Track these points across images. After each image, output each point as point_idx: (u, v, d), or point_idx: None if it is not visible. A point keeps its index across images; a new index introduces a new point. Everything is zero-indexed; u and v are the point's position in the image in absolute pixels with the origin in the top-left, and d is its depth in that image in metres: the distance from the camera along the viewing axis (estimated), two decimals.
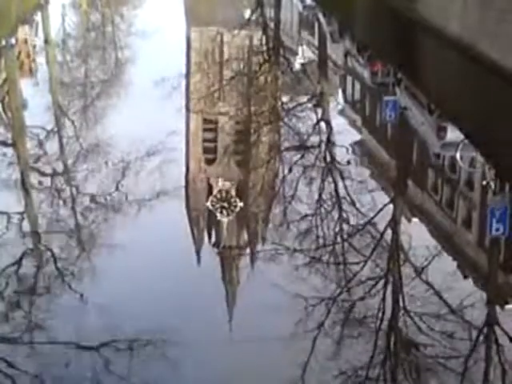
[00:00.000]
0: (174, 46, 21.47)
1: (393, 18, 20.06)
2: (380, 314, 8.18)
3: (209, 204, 11.46)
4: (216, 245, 10.25)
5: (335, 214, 10.79)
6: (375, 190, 11.69)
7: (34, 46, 21.77)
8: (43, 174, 12.20)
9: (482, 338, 7.81)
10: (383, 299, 8.47)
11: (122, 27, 25.92)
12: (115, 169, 12.20)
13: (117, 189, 11.47)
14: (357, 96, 18.00)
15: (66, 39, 23.36)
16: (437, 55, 16.69)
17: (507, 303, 8.72)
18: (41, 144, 13.45)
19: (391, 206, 11.15)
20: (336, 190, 11.58)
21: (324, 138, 14.01)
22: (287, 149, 13.75)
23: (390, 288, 8.80)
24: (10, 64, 19.39)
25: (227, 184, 12.15)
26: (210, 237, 10.59)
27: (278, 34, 24.70)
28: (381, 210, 10.72)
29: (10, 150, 13.52)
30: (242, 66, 19.96)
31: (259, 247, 10.02)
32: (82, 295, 8.45)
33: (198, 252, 9.77)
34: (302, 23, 26.32)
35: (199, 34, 23.25)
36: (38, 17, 25.25)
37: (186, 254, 9.55)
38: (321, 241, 10.09)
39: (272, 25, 25.50)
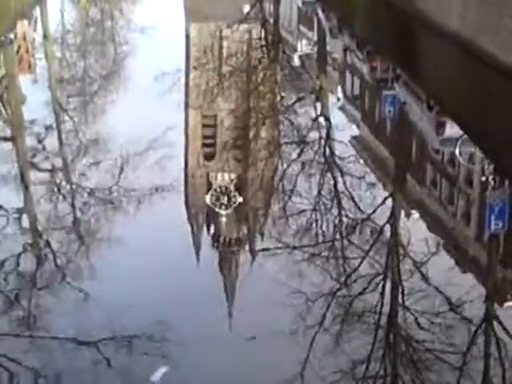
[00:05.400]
0: (174, 41, 21.46)
1: (392, 13, 20.05)
2: (379, 309, 8.18)
3: (208, 199, 11.46)
4: (215, 240, 10.25)
5: (334, 210, 10.80)
6: (374, 185, 11.69)
7: (33, 42, 21.73)
8: (42, 170, 12.19)
9: (480, 333, 7.82)
10: (382, 294, 8.47)
11: (121, 22, 25.89)
12: (114, 164, 12.19)
13: (116, 184, 11.47)
14: (356, 91, 17.99)
15: (65, 34, 23.33)
16: (436, 50, 16.68)
17: (506, 299, 8.73)
18: (40, 139, 13.45)
19: (390, 201, 11.15)
20: (335, 186, 11.59)
21: (323, 133, 14.01)
22: (286, 144, 13.75)
23: (388, 283, 8.81)
24: (8, 59, 19.36)
25: (226, 179, 12.15)
26: (209, 232, 10.59)
27: (277, 29, 24.69)
28: (380, 205, 10.72)
29: (8, 146, 13.52)
30: (241, 61, 19.94)
31: (258, 242, 10.02)
32: (80, 290, 8.45)
33: (196, 247, 9.77)
34: (301, 18, 26.30)
35: (198, 29, 23.24)
36: (37, 12, 25.20)
37: (184, 250, 9.56)
38: (320, 236, 10.10)
39: (271, 20, 25.49)
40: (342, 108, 16.35)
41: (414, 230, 10.12)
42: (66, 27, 24.29)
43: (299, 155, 12.86)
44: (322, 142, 13.53)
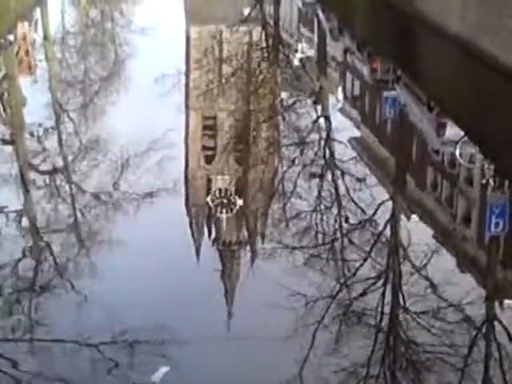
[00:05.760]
0: (174, 42, 21.46)
1: (392, 14, 20.06)
2: (379, 311, 8.18)
3: (208, 201, 11.45)
4: (215, 242, 10.25)
5: (335, 211, 10.79)
6: (374, 186, 11.68)
7: (33, 43, 21.73)
8: (42, 171, 12.19)
9: (481, 334, 7.81)
10: (383, 296, 8.46)
11: (121, 24, 25.89)
12: (115, 166, 12.19)
13: (116, 185, 11.47)
14: (356, 93, 17.99)
15: (65, 36, 23.33)
16: (436, 51, 16.68)
17: (506, 299, 8.72)
18: (40, 141, 13.45)
19: (390, 202, 11.15)
20: (335, 187, 11.58)
21: (323, 134, 14.01)
22: (286, 145, 13.74)
23: (389, 285, 8.80)
24: (8, 61, 19.37)
25: (226, 181, 12.14)
26: (209, 234, 10.58)
27: (277, 30, 24.68)
28: (380, 206, 10.72)
29: (8, 147, 13.52)
30: (241, 62, 19.94)
31: (259, 244, 10.02)
32: (81, 292, 8.45)
33: (197, 249, 9.77)
34: (302, 20, 26.30)
35: (199, 30, 23.24)
36: (37, 13, 25.21)
37: (185, 251, 9.55)
38: (320, 238, 10.09)
39: (271, 21, 25.48)
40: (342, 109, 16.35)
41: (415, 231, 10.11)
42: (66, 28, 24.30)
43: (300, 156, 12.86)
44: (323, 143, 13.53)
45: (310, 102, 16.33)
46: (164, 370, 7.06)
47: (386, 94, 15.46)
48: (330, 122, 14.77)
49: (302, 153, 13.06)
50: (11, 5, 21.87)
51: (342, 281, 8.87)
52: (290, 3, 27.83)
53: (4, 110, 15.95)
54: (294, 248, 9.60)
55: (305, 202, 11.03)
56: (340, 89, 18.10)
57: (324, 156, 13.00)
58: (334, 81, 18.90)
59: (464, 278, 9.11)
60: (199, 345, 7.41)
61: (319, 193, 11.41)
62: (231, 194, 11.55)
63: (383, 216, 10.41)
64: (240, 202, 11.37)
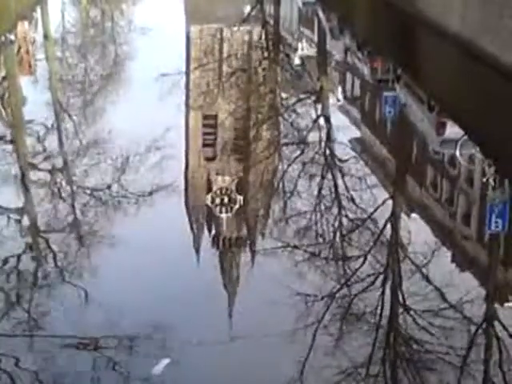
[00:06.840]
0: (174, 42, 21.46)
1: (392, 13, 20.06)
2: (379, 310, 8.18)
3: (208, 200, 11.46)
4: (215, 241, 10.25)
5: (335, 210, 10.80)
6: (374, 186, 11.69)
7: (34, 42, 21.73)
8: (42, 170, 12.19)
9: (481, 333, 7.81)
10: (382, 295, 8.47)
11: (121, 23, 25.89)
12: (115, 165, 12.19)
13: (116, 184, 11.47)
14: (356, 92, 17.99)
15: (66, 35, 23.34)
16: (437, 51, 16.68)
17: (507, 299, 8.73)
18: (40, 140, 13.45)
19: (390, 202, 11.15)
20: (335, 186, 11.59)
21: (323, 134, 14.01)
22: (287, 145, 13.75)
23: (389, 284, 8.81)
24: (9, 60, 19.37)
25: (227, 180, 12.14)
26: (209, 232, 10.59)
27: (277, 30, 24.69)
28: (380, 206, 10.72)
29: (9, 146, 13.53)
30: (241, 62, 19.95)
31: (259, 243, 10.02)
32: (80, 291, 8.45)
33: (197, 248, 9.77)
34: (302, 19, 26.31)
35: (199, 30, 23.23)
36: (38, 13, 25.22)
37: (185, 250, 9.55)
38: (320, 237, 10.10)
39: (272, 21, 25.49)
40: (342, 109, 16.35)
41: (415, 230, 10.12)
42: (66, 28, 24.30)
43: (300, 156, 12.86)
44: (323, 142, 13.53)
45: (310, 101, 16.32)
46: (165, 361, 7.07)
47: (386, 93, 15.46)
48: (330, 122, 14.77)
49: (302, 152, 13.06)
50: (11, 4, 21.87)
51: (342, 280, 8.88)
52: (291, 3, 27.83)
53: (4, 109, 15.95)
54: (295, 247, 9.61)
55: (305, 201, 11.03)
56: (340, 88, 18.10)
57: (324, 155, 13.00)
58: (334, 80, 18.91)
59: (464, 278, 9.11)
60: (199, 344, 7.41)
61: (319, 192, 11.41)
62: (231, 193, 11.55)
63: (383, 215, 10.42)
64: (240, 200, 11.37)
